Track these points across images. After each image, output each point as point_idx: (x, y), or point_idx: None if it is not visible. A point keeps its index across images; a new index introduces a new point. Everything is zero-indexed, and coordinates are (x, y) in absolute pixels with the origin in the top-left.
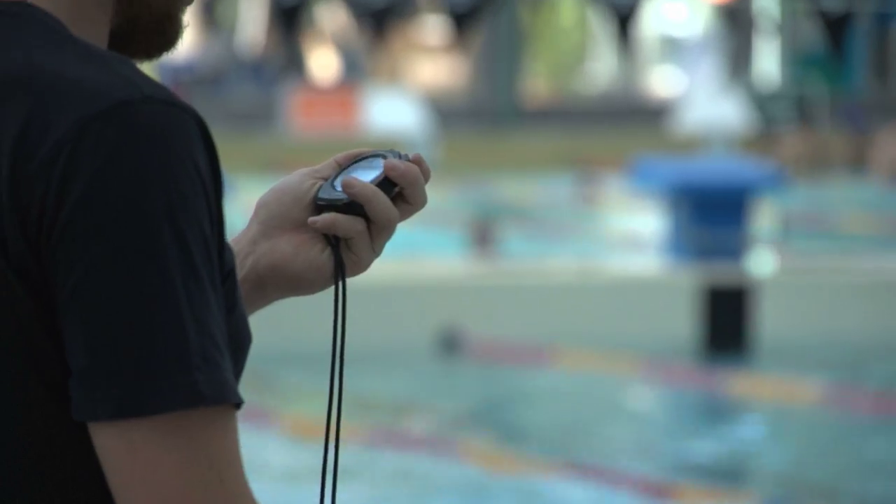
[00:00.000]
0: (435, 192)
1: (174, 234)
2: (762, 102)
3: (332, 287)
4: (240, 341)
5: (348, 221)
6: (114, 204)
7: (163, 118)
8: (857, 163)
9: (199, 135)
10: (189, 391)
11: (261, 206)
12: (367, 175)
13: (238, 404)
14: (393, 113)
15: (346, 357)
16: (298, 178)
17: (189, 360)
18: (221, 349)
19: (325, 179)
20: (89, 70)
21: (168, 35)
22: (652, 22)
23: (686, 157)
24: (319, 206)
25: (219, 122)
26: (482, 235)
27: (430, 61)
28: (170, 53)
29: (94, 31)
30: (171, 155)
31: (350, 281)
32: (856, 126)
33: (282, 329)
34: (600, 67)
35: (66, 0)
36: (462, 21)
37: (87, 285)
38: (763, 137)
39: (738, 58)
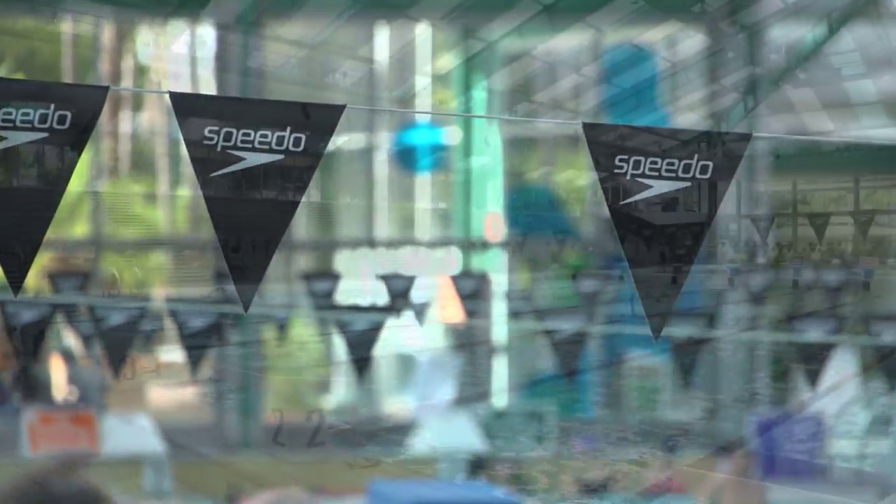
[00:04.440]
0: None
1: None
2: (492, 424)
3: None
4: None
5: None
6: None
7: None
8: None
9: None
10: None
11: None
12: None
13: None
14: (129, 436)
15: None
16: None
17: None
18: None
19: None
20: None
21: None
22: (388, 344)
23: (420, 480)
24: None
25: None
26: None
27: (169, 384)
28: None
29: None
30: None
31: None
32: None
33: None
34: (340, 392)
35: None
36: (196, 348)
37: None
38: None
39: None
